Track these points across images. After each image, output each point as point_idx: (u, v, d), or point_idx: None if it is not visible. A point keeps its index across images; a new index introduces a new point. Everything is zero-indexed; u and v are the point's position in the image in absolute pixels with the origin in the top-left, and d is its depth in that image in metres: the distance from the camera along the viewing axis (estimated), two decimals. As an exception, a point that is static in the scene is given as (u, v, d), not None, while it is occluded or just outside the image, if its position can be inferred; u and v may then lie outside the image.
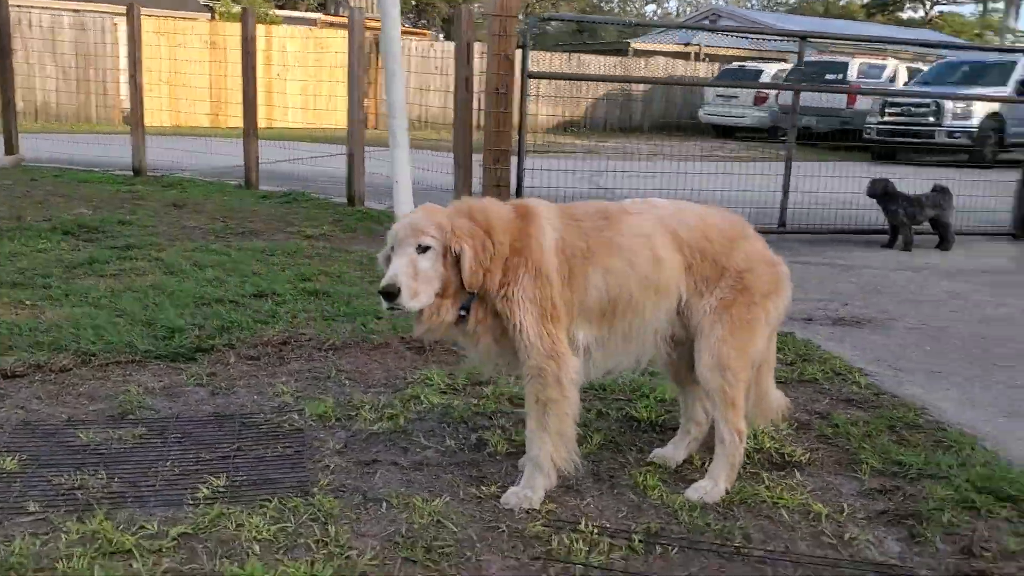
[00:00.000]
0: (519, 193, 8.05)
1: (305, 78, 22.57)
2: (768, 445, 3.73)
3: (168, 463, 3.39)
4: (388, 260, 3.12)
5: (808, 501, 3.26)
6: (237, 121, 11.62)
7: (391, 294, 2.97)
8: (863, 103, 21.29)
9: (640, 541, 2.92)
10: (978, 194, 10.13)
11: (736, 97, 26.28)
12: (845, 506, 3.23)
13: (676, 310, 3.29)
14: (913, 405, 4.25)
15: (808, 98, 21.11)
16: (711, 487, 3.25)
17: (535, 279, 3.07)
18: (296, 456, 3.50)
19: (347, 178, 9.97)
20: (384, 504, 3.11)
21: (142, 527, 2.89)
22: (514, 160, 8.03)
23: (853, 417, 4.06)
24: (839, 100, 21.76)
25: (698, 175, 9.44)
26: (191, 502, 3.08)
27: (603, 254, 3.16)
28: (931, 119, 19.46)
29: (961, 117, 19.37)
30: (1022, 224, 9.91)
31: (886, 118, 20.09)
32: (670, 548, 2.91)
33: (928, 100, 19.20)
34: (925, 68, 23.97)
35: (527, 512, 3.09)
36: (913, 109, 19.75)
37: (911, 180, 9.42)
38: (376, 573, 2.70)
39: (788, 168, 9.06)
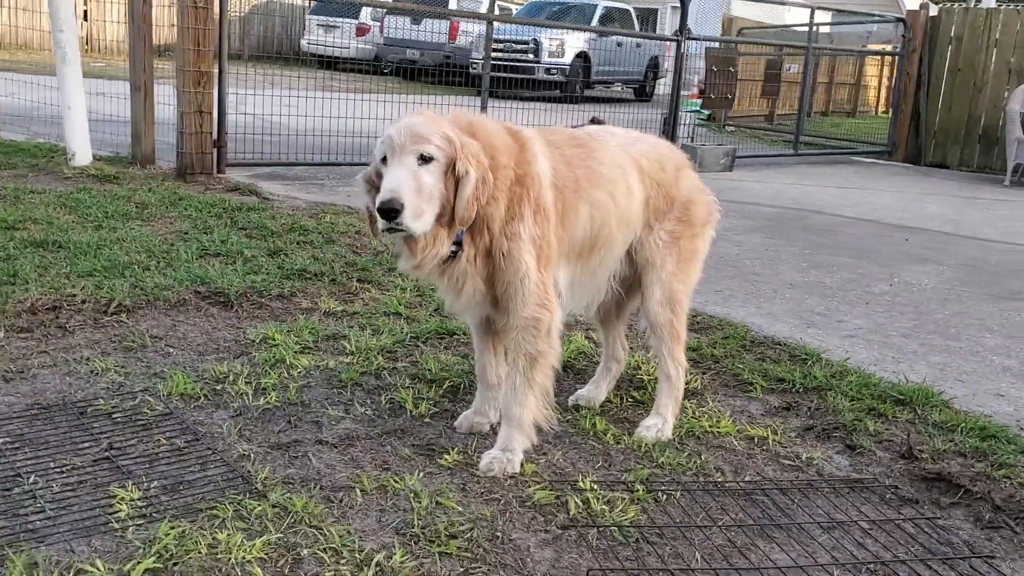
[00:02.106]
0: (221, 121, 7.15)
1: None
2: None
3: (31, 478, 2.54)
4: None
5: (743, 426, 3.31)
6: None
7: (393, 210, 2.45)
8: (467, 39, 22.00)
9: (645, 491, 2.76)
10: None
11: (338, 28, 25.77)
12: (773, 427, 3.32)
13: (630, 245, 3.11)
14: (738, 324, 4.49)
15: (412, 31, 21.34)
16: (662, 424, 3.17)
17: (535, 215, 2.71)
18: (194, 447, 2.81)
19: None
20: (359, 492, 2.61)
21: (83, 571, 2.13)
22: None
23: (699, 340, 4.20)
24: (442, 35, 22.26)
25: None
26: (116, 526, 2.34)
27: (589, 186, 2.87)
28: (531, 56, 20.70)
29: (556, 55, 20.84)
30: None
31: (491, 54, 20.94)
32: (673, 493, 2.78)
33: (528, 38, 20.37)
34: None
35: (511, 477, 2.78)
36: (515, 46, 20.85)
37: (517, 112, 9.75)
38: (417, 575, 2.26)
39: (484, 103, 9.07)
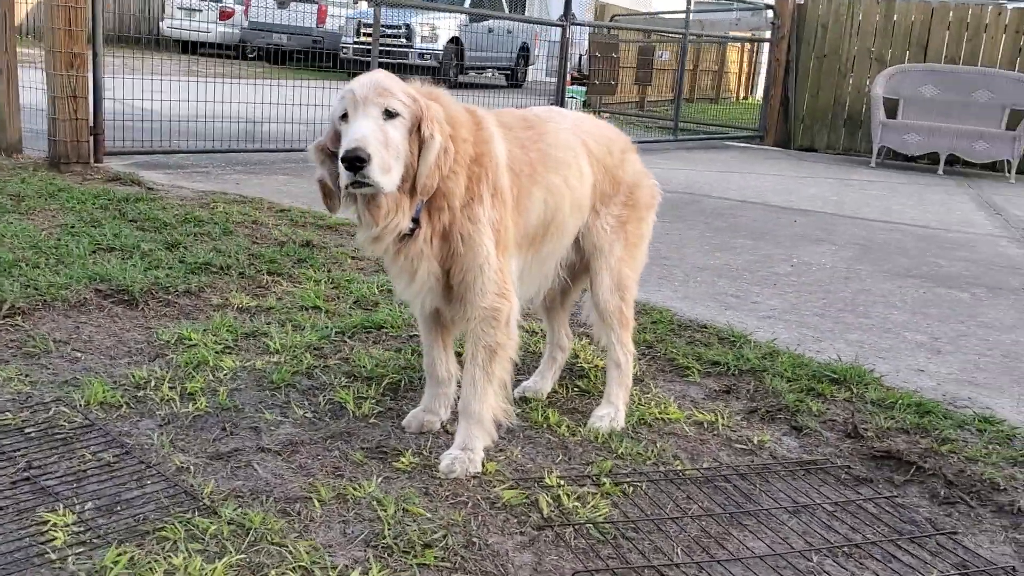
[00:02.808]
0: (97, 107, 6.67)
1: None
2: (599, 362, 3.66)
3: (-59, 507, 2.25)
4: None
5: (691, 412, 3.27)
6: None
7: (359, 159, 2.27)
8: (336, 23, 21.49)
9: (612, 484, 2.68)
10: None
11: (200, 11, 24.69)
12: (717, 411, 3.30)
13: (578, 231, 3.01)
14: (662, 308, 4.47)
15: (278, 15, 20.74)
16: (615, 412, 3.09)
17: (493, 198, 2.56)
18: (125, 461, 2.55)
19: None
20: (316, 502, 2.42)
21: (26, 611, 1.89)
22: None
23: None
24: (310, 18, 21.67)
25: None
26: (53, 556, 2.08)
27: (543, 169, 2.74)
28: (404, 41, 20.39)
29: (429, 40, 20.59)
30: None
31: (361, 38, 20.54)
32: (639, 485, 2.71)
33: (399, 23, 20.04)
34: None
35: (475, 477, 2.64)
36: (386, 30, 20.45)
37: None
38: (398, 590, 2.11)
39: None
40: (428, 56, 20.41)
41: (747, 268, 5.62)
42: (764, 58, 25.07)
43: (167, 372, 3.16)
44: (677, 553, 2.38)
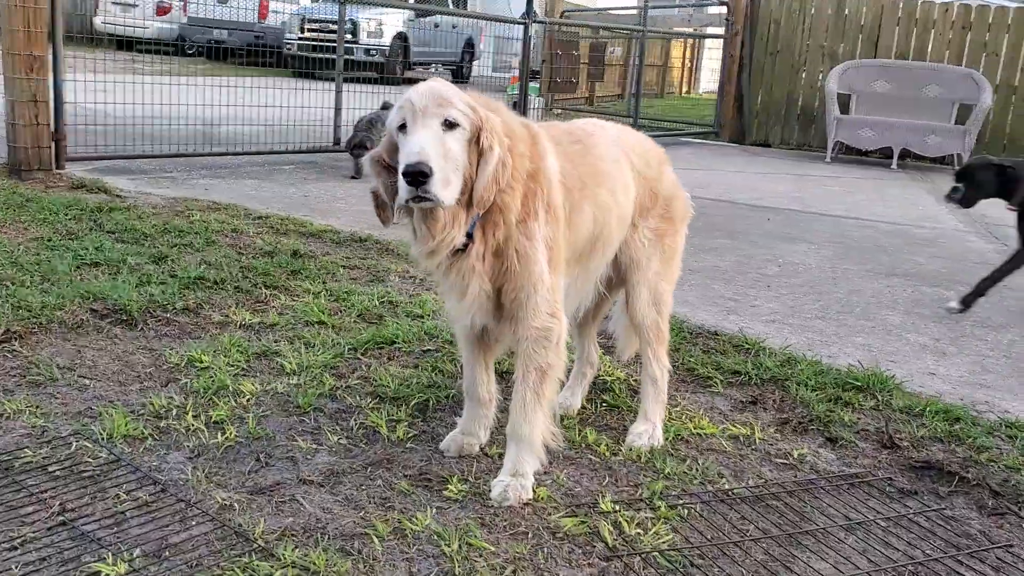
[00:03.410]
0: (59, 111, 6.39)
1: None
2: (620, 374, 3.59)
3: (-23, 561, 2.09)
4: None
5: (725, 425, 3.22)
6: None
7: (422, 174, 2.17)
8: (278, 19, 21.08)
9: (667, 507, 2.61)
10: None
11: (136, 6, 24.01)
12: (749, 424, 3.25)
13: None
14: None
15: (219, 11, 20.31)
16: (652, 429, 3.03)
17: (547, 215, 2.47)
18: (163, 500, 2.41)
19: None
20: (375, 538, 2.31)
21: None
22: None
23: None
24: (251, 14, 21.23)
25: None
26: (113, 613, 1.94)
27: (593, 184, 2.66)
28: (349, 36, 20.06)
29: (375, 35, 20.32)
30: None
31: (306, 34, 20.19)
32: (693, 506, 2.65)
33: (346, 19, 19.71)
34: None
35: (527, 505, 2.55)
36: (332, 26, 20.11)
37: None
38: (480, 632, 2.01)
39: (339, 86, 8.62)
40: (374, 52, 20.15)
41: (736, 270, 5.61)
42: (706, 53, 25.44)
43: (188, 399, 3.00)
44: (749, 579, 2.32)
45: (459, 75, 22.88)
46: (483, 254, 2.43)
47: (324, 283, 4.47)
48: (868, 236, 7.15)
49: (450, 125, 2.28)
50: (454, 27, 22.61)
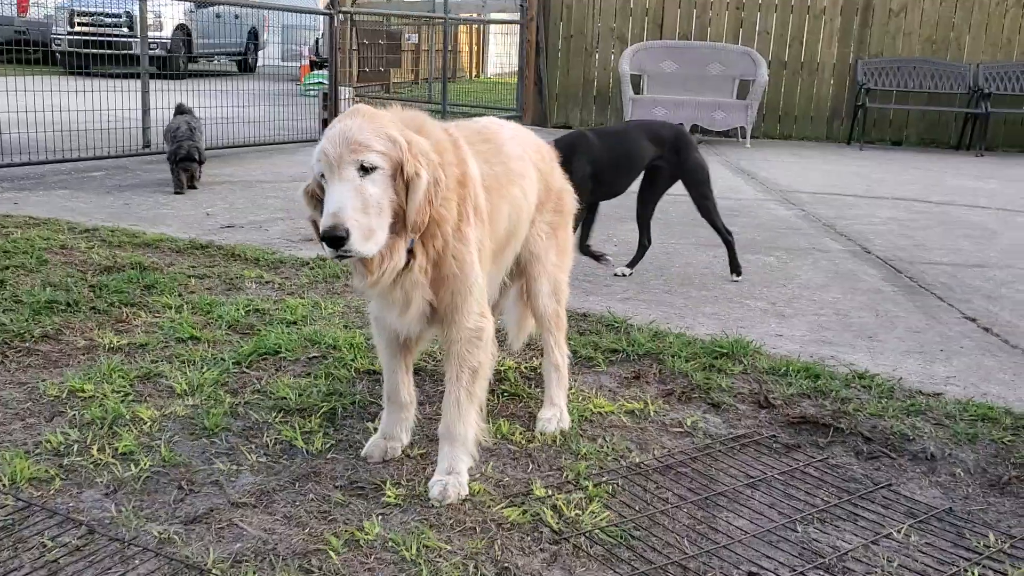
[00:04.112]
0: None
1: None
2: (512, 363, 3.70)
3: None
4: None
5: (620, 402, 3.39)
6: None
7: (338, 238, 2.18)
8: (42, 11, 19.57)
9: (593, 486, 2.74)
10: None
11: None
12: (640, 399, 3.44)
13: (519, 239, 3.02)
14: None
15: (-30, 6, 18.77)
16: (559, 413, 3.15)
17: (475, 217, 2.51)
18: (96, 543, 2.29)
19: None
20: (331, 553, 2.30)
21: None
22: None
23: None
24: (10, 8, 19.58)
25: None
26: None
27: (507, 183, 2.72)
28: (126, 30, 18.94)
29: (154, 28, 19.26)
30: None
31: (76, 28, 18.87)
32: (615, 483, 2.80)
33: (121, 11, 18.61)
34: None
35: (467, 500, 2.61)
36: (106, 20, 18.92)
37: (116, 95, 8.57)
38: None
39: (145, 85, 8.16)
40: (154, 45, 19.12)
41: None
42: (492, 39, 25.91)
43: (85, 432, 2.84)
44: (685, 544, 2.49)
45: (245, 66, 22.13)
46: (426, 266, 2.46)
47: (181, 296, 4.30)
48: (683, 212, 7.54)
49: (367, 170, 2.28)
50: (236, 17, 21.81)
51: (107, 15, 18.78)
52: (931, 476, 2.98)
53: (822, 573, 2.39)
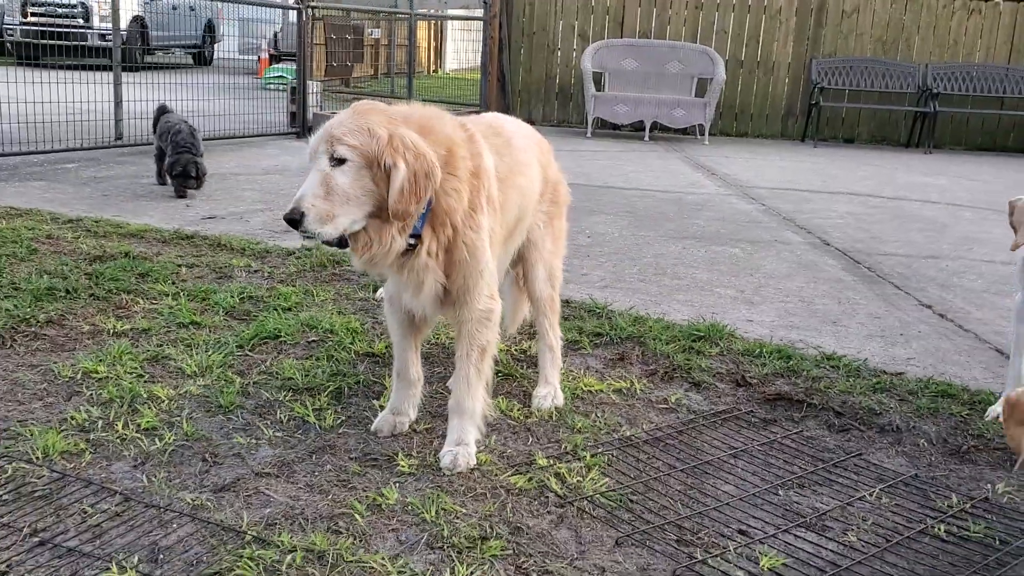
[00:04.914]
0: None
1: None
2: (503, 345, 3.89)
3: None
4: None
5: (609, 381, 3.60)
6: None
7: (292, 220, 2.42)
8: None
9: (591, 456, 2.94)
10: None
11: None
12: (627, 379, 3.66)
13: (522, 227, 3.21)
14: (516, 289, 4.75)
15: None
16: (553, 391, 3.35)
17: (488, 206, 2.70)
18: (133, 508, 2.44)
19: None
20: (357, 516, 2.47)
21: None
22: None
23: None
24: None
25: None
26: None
27: (516, 173, 2.91)
28: (81, 21, 18.74)
29: (109, 19, 19.06)
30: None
31: (30, 19, 18.63)
32: (610, 453, 3.00)
33: (75, 2, 18.43)
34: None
35: (475, 470, 2.80)
36: (59, 10, 18.71)
37: (70, 87, 8.38)
38: (485, 581, 2.25)
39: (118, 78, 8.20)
40: (110, 37, 18.93)
41: (554, 242, 6.02)
42: (450, 35, 26.05)
43: (107, 410, 2.97)
44: (678, 507, 2.70)
45: (201, 59, 22.00)
46: (436, 252, 2.65)
47: (175, 284, 4.42)
48: (651, 205, 7.83)
49: (337, 161, 2.47)
50: (192, 9, 21.68)
51: (59, 5, 18.60)
52: (897, 446, 3.23)
53: (804, 531, 2.61)
